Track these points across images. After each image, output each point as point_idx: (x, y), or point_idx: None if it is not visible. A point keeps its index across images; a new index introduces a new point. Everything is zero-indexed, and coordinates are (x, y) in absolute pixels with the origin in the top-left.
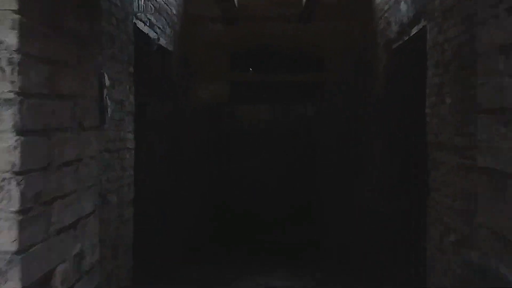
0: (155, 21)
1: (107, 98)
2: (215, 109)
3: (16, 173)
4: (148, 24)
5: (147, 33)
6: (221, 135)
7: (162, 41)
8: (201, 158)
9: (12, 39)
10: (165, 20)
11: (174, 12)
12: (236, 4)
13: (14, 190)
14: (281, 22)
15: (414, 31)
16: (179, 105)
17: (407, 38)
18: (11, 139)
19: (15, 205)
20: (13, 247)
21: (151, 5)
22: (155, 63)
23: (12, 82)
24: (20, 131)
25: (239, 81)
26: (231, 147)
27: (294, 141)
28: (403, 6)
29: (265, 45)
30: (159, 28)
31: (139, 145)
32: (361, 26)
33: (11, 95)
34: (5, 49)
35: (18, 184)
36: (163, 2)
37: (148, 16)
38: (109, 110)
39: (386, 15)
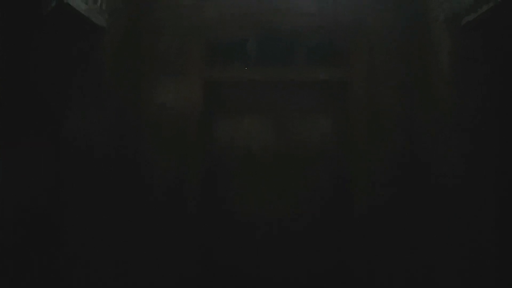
0: None
1: None
2: (182, 124)
3: None
4: None
5: None
6: (195, 165)
7: (80, 5)
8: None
9: None
10: None
11: None
12: None
13: None
14: None
15: None
16: (120, 118)
17: (492, 5)
18: None
19: None
20: None
21: None
22: (65, 45)
23: None
24: None
25: (221, 80)
26: (214, 183)
27: (312, 176)
28: None
29: (261, 27)
30: None
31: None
32: None
33: None
34: None
35: None
36: None
37: None
38: None
39: None
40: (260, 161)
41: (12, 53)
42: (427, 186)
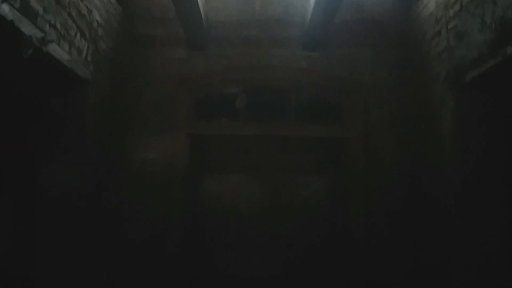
0: (41, 11)
1: None
2: (166, 179)
3: None
4: (16, 6)
5: (11, 21)
6: (178, 220)
7: (62, 55)
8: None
9: None
10: (76, 25)
11: (100, 20)
12: (205, 20)
13: None
14: (275, 47)
15: None
16: (102, 171)
17: (500, 59)
18: None
19: None
20: None
21: None
22: (46, 93)
23: None
24: None
25: (208, 135)
26: (198, 238)
27: (299, 234)
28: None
29: (250, 82)
30: (54, 27)
31: None
32: (399, 52)
33: None
34: None
35: None
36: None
37: None
38: None
39: (449, 28)
40: (247, 219)
41: None
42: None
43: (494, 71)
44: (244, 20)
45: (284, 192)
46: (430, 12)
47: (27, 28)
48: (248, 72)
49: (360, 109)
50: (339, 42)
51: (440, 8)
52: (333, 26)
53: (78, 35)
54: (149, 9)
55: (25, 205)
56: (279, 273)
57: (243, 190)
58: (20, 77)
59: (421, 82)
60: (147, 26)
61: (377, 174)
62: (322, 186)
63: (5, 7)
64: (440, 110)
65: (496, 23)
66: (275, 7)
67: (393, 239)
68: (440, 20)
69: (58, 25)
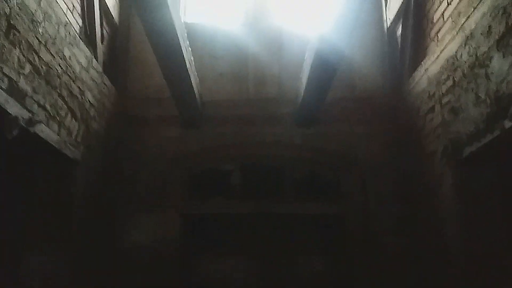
0: (31, 91)
1: None
2: (158, 262)
3: None
4: (4, 86)
5: None
6: None
7: (50, 136)
8: None
9: None
10: (67, 106)
11: (92, 101)
12: (199, 101)
13: None
14: (269, 125)
15: None
16: (92, 260)
17: (498, 133)
18: None
19: None
20: None
21: (24, 59)
22: (32, 175)
23: None
24: None
25: (202, 214)
26: None
27: None
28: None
29: (245, 159)
30: (43, 107)
31: None
32: (394, 127)
33: None
34: None
35: None
36: (67, 78)
37: (9, 73)
38: None
39: (443, 103)
40: None
41: None
42: None
43: (492, 145)
44: (237, 98)
45: (283, 273)
46: (423, 88)
47: (13, 108)
48: (243, 149)
49: (357, 186)
50: (333, 119)
51: (432, 84)
52: (326, 104)
53: (69, 115)
54: (143, 89)
55: None
56: None
57: (239, 272)
58: (6, 156)
59: (418, 157)
60: (141, 106)
61: (377, 254)
62: (323, 266)
63: None
64: (440, 186)
65: (491, 97)
66: (268, 86)
67: None
68: (433, 96)
69: (47, 106)
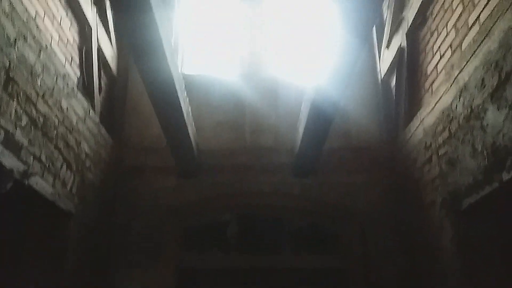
0: (27, 143)
1: None
2: None
3: None
4: (0, 139)
5: None
6: None
7: (45, 188)
8: None
9: None
10: (63, 157)
11: (88, 152)
12: (196, 150)
13: None
14: (266, 174)
15: None
16: None
17: (497, 186)
18: None
19: None
20: None
21: (22, 111)
22: (26, 227)
23: None
24: None
25: (197, 268)
26: None
27: None
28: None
29: (242, 209)
30: (39, 160)
31: None
32: (392, 178)
33: None
34: None
35: None
36: (64, 129)
37: (6, 125)
38: None
39: (440, 154)
40: None
41: None
42: None
43: (491, 197)
44: (234, 148)
45: None
46: (419, 139)
47: (8, 161)
48: (240, 199)
49: (357, 237)
50: (331, 169)
51: (428, 135)
52: (323, 153)
53: (64, 166)
54: (140, 139)
55: None
56: None
57: None
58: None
59: (417, 208)
60: (137, 156)
61: None
62: None
63: None
64: (440, 238)
65: (488, 149)
66: (265, 136)
67: None
68: (430, 147)
69: (43, 158)
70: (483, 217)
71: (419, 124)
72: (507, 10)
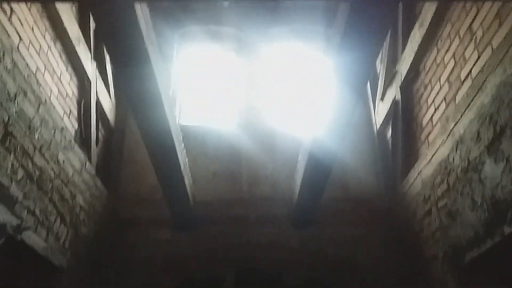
0: (21, 197)
1: None
2: None
3: None
4: None
5: None
6: None
7: (37, 243)
8: None
9: None
10: (57, 210)
11: (83, 205)
12: (192, 202)
13: None
14: (264, 226)
15: None
16: None
17: (499, 239)
18: None
19: None
20: None
21: (18, 165)
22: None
23: None
24: None
25: None
26: None
27: None
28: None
29: (239, 262)
30: (32, 213)
31: None
32: (392, 230)
33: None
34: None
35: None
36: (60, 182)
37: (1, 179)
38: None
39: (439, 207)
40: None
41: None
42: None
43: (493, 251)
44: (231, 199)
45: None
46: (417, 191)
47: (2, 215)
48: (237, 252)
49: None
50: (329, 220)
51: (426, 188)
52: (321, 205)
53: (58, 220)
54: (136, 190)
55: None
56: None
57: None
58: None
59: (419, 261)
60: (133, 208)
61: None
62: None
63: None
64: None
65: (487, 202)
66: (262, 186)
67: None
68: (429, 199)
69: (37, 211)
70: (486, 271)
71: (417, 176)
72: (497, 65)
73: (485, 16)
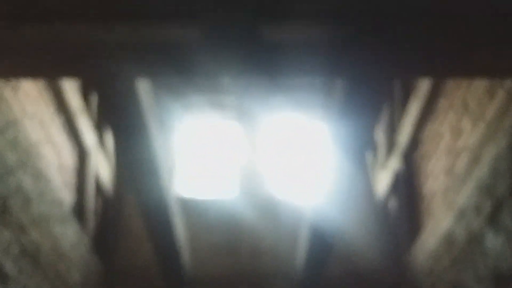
0: (16, 273)
1: None
2: None
3: None
4: None
5: None
6: None
7: None
8: None
9: None
10: (51, 286)
11: (77, 280)
12: (189, 277)
13: None
14: None
15: None
16: None
17: None
18: None
19: None
20: None
21: (14, 240)
22: None
23: None
24: None
25: None
26: None
27: None
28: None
29: None
30: None
31: None
32: None
33: None
34: None
35: None
36: (55, 257)
37: None
38: None
39: (444, 280)
40: None
41: None
42: None
43: None
44: (231, 273)
45: None
46: (422, 264)
47: None
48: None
49: None
50: None
51: (430, 260)
52: (324, 279)
53: None
54: (132, 262)
55: None
56: None
57: None
58: None
59: None
60: (128, 282)
61: None
62: None
63: None
64: None
65: (491, 274)
66: (263, 260)
67: None
68: (433, 272)
69: None
70: None
71: (420, 249)
72: (492, 137)
73: (477, 89)
